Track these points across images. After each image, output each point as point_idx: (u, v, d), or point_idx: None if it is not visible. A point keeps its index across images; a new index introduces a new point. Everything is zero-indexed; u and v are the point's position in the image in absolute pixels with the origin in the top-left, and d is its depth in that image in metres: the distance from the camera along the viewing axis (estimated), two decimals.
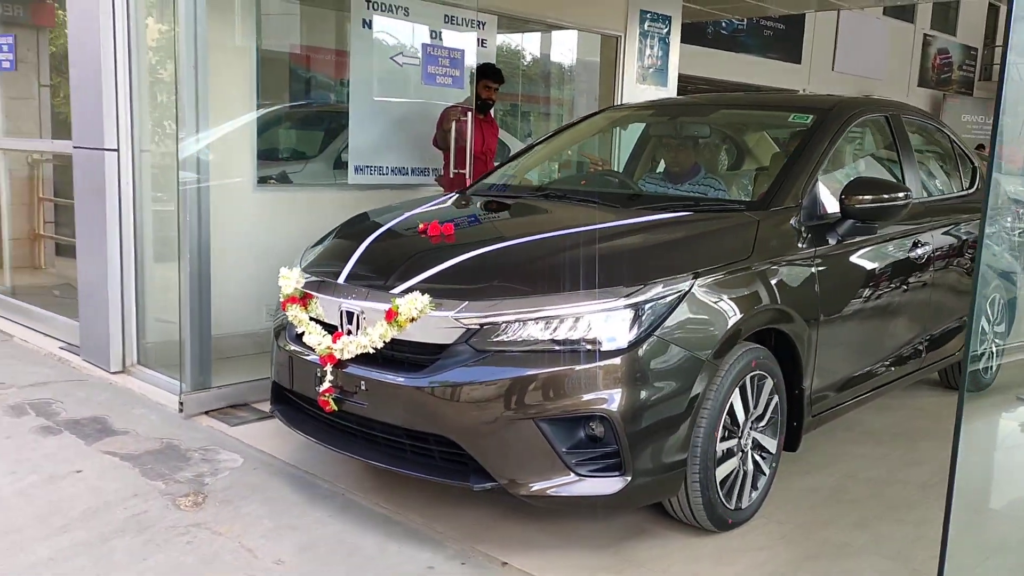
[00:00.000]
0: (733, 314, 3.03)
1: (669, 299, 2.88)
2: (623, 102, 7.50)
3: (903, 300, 4.05)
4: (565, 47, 9.08)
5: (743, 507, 3.20)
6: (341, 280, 3.27)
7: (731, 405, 3.05)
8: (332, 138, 6.26)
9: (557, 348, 2.81)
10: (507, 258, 3.21)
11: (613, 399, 2.76)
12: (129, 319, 4.71)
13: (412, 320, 2.92)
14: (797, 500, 3.50)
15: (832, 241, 3.54)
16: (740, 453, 3.15)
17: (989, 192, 2.06)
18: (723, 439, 3.05)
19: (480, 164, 5.79)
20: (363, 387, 3.04)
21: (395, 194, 5.41)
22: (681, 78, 8.60)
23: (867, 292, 3.78)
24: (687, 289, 2.93)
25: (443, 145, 5.69)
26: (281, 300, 3.41)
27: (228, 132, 4.84)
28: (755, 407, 3.19)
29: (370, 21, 5.47)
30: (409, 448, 3.04)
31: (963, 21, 23.21)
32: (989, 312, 4.22)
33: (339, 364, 3.10)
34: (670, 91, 8.21)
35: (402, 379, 2.96)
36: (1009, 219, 2.72)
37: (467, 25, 5.96)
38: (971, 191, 4.87)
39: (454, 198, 4.22)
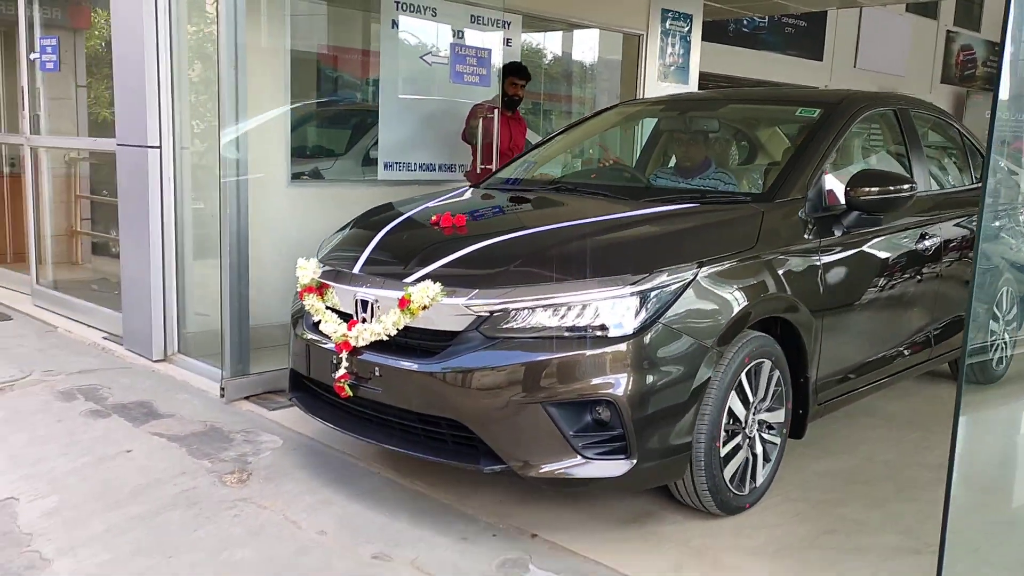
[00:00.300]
0: (737, 302, 3.10)
1: (674, 287, 2.95)
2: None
3: (909, 291, 4.08)
4: (587, 46, 9.14)
5: (757, 485, 3.29)
6: (356, 270, 3.37)
7: (735, 392, 3.11)
8: (360, 136, 6.40)
9: (565, 335, 2.87)
10: (517, 248, 3.26)
11: (619, 384, 2.83)
12: (170, 310, 4.91)
13: (424, 308, 3.01)
14: (813, 481, 3.61)
15: (838, 232, 3.59)
16: (747, 439, 3.21)
17: (986, 188, 2.14)
18: (728, 424, 3.11)
19: (507, 160, 5.91)
20: (377, 373, 3.13)
21: (423, 190, 5.43)
22: (702, 76, 8.67)
23: (873, 283, 3.81)
24: (691, 278, 2.99)
25: (471, 140, 5.83)
26: (298, 290, 3.50)
27: (264, 130, 4.99)
28: (759, 392, 3.24)
29: (399, 22, 5.63)
30: (422, 432, 3.12)
31: (987, 17, 22.96)
32: (1003, 304, 4.26)
33: (354, 351, 3.17)
34: (691, 89, 8.26)
35: (415, 365, 3.04)
36: (1023, 213, 2.75)
37: (493, 25, 6.11)
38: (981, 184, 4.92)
39: (468, 191, 4.33)
